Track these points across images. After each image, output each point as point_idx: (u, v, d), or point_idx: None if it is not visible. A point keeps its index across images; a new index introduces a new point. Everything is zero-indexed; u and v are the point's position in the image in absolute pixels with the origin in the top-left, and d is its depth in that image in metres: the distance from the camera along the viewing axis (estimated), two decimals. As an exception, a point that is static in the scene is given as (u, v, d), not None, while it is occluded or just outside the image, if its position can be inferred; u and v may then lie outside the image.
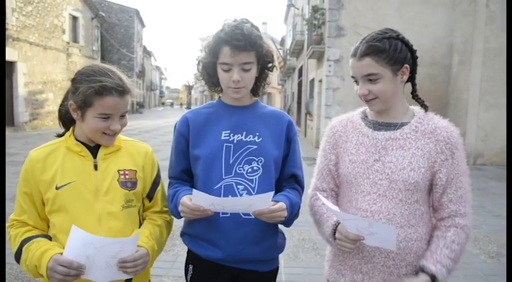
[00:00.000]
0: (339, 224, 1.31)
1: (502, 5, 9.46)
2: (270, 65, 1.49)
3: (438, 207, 1.35)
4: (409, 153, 1.30)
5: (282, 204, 1.32)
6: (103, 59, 25.63)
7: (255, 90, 1.52)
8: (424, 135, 1.32)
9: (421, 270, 1.27)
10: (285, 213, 1.33)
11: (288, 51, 23.55)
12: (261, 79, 1.50)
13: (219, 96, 1.56)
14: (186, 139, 1.48)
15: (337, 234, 1.30)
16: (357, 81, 1.35)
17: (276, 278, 1.56)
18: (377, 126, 1.39)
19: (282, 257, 3.70)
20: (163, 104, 72.44)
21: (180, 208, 1.34)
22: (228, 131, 1.44)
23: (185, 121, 1.50)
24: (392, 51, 1.28)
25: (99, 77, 1.29)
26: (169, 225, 1.54)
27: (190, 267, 1.51)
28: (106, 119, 1.32)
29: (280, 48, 31.12)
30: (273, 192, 1.27)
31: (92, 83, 1.27)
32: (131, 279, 1.35)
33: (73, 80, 1.34)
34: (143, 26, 40.17)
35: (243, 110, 1.49)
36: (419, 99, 1.43)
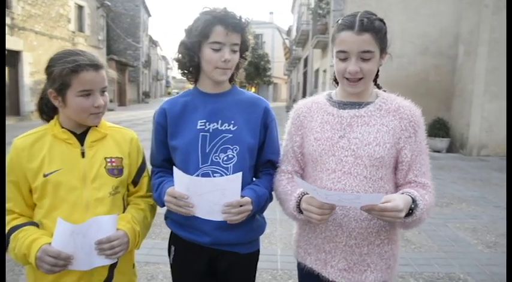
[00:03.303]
0: (303, 195, 1.30)
1: (510, -6, 9.29)
2: (245, 53, 1.52)
3: (404, 184, 1.36)
4: (374, 129, 1.32)
5: (247, 199, 1.36)
6: (109, 48, 25.63)
7: (231, 77, 1.55)
8: (388, 113, 1.35)
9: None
10: (250, 207, 1.36)
11: (294, 41, 23.38)
12: (238, 66, 1.52)
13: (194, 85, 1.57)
14: (164, 129, 1.51)
15: (304, 205, 1.27)
16: (343, 59, 1.30)
17: (257, 259, 1.61)
18: (342, 105, 1.40)
19: (279, 246, 3.74)
20: (169, 93, 72.36)
21: (165, 198, 1.38)
22: (204, 120, 1.46)
23: (162, 112, 1.52)
24: (383, 33, 1.30)
25: (70, 57, 1.31)
26: (153, 208, 1.58)
27: (173, 248, 1.58)
28: (88, 97, 1.33)
29: (287, 38, 30.88)
30: (241, 173, 1.30)
31: (66, 64, 1.29)
32: (116, 263, 1.38)
33: (46, 69, 1.36)
34: (149, 15, 39.97)
35: (218, 98, 1.50)
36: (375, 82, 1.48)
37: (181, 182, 1.33)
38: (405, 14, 10.25)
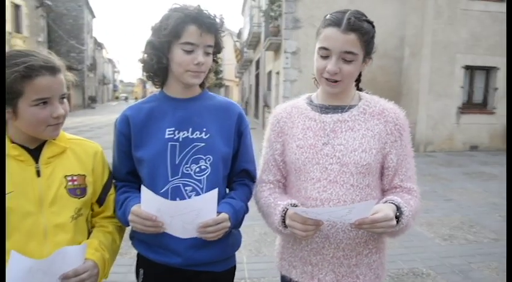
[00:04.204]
0: (287, 209, 1.22)
1: (449, 0, 9.91)
2: (217, 56, 1.41)
3: (390, 189, 1.31)
4: (359, 135, 1.26)
5: (224, 215, 1.24)
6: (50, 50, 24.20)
7: (203, 81, 1.41)
8: (372, 117, 1.29)
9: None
10: (228, 224, 1.25)
11: (245, 44, 23.43)
12: (209, 69, 1.39)
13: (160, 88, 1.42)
14: (127, 139, 1.36)
15: (288, 221, 1.19)
16: (324, 56, 1.23)
17: (233, 276, 1.50)
18: (324, 109, 1.33)
19: (244, 253, 3.63)
20: (117, 98, 70.09)
21: (129, 217, 1.23)
22: (173, 129, 1.32)
23: (125, 119, 1.36)
24: (370, 36, 1.24)
25: (21, 58, 1.09)
26: (121, 229, 1.41)
27: (141, 271, 1.42)
28: (45, 106, 1.13)
29: (237, 41, 30.91)
30: (216, 190, 1.18)
31: (15, 67, 1.07)
32: None
33: None
34: (93, 16, 38.42)
35: (188, 103, 1.37)
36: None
37: (150, 202, 1.18)
38: (353, 17, 10.59)
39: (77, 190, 1.24)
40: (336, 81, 1.24)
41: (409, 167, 1.30)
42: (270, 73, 15.38)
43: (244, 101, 28.88)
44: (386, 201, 1.20)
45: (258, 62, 20.04)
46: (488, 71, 10.65)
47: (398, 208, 1.17)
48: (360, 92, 1.38)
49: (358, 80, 1.39)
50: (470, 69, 10.50)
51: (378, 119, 1.29)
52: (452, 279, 3.16)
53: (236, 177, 1.45)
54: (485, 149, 10.58)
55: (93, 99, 37.09)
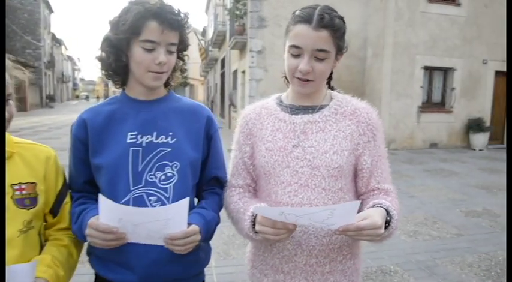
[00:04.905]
0: (257, 215, 1.14)
1: (409, 2, 10.24)
2: (183, 53, 1.30)
3: (367, 192, 1.26)
4: (331, 136, 1.21)
5: (195, 228, 1.13)
6: (2, 47, 22.92)
7: (167, 81, 1.30)
8: (344, 117, 1.24)
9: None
10: (199, 237, 1.15)
11: (210, 42, 23.20)
12: (174, 68, 1.28)
13: (123, 89, 1.30)
14: (85, 145, 1.23)
15: (257, 227, 1.10)
16: (296, 55, 1.17)
17: None
18: (294, 110, 1.27)
19: (212, 257, 3.50)
20: (77, 97, 67.67)
21: (87, 231, 1.10)
22: (135, 132, 1.21)
23: (82, 123, 1.24)
24: (342, 32, 1.18)
25: None
26: (78, 243, 1.28)
27: None
28: None
29: (202, 39, 30.59)
30: (188, 199, 1.08)
31: None
32: None
33: None
34: (51, 11, 36.80)
35: (152, 105, 1.26)
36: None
37: (110, 212, 1.06)
38: (318, 17, 10.69)
39: (26, 200, 1.11)
40: (307, 81, 1.19)
41: (384, 168, 1.27)
42: (235, 72, 15.29)
43: (210, 100, 28.64)
44: (374, 205, 1.14)
45: (223, 61, 19.89)
46: (446, 71, 11.11)
47: (387, 212, 1.11)
48: (332, 91, 1.33)
49: (329, 78, 1.33)
50: (430, 70, 10.91)
51: (349, 119, 1.24)
52: (419, 275, 3.22)
53: (206, 186, 1.35)
54: (443, 147, 11.03)
55: (51, 98, 35.47)
